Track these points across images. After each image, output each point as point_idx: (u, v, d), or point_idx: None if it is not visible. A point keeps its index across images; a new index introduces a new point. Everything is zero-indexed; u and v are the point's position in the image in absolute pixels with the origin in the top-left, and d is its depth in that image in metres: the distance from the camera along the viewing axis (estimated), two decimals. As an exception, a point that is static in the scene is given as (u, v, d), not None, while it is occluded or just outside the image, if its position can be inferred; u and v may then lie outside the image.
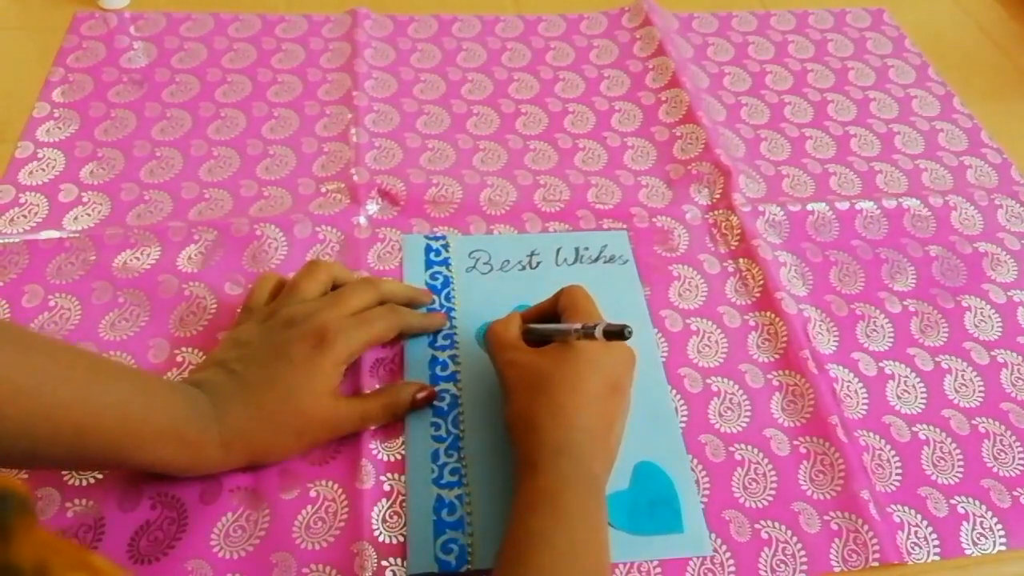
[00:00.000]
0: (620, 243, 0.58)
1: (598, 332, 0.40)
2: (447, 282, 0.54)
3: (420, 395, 0.47)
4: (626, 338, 0.39)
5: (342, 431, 0.45)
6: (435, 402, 0.48)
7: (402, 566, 0.42)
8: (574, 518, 0.37)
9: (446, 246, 0.56)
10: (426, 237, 0.57)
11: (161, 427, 0.39)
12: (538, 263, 0.56)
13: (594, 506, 0.38)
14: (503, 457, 0.46)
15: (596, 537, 0.38)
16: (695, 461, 0.47)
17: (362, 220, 0.57)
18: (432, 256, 0.56)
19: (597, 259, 0.57)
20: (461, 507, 0.44)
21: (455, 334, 0.51)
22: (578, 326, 0.42)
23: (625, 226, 0.59)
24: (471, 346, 0.51)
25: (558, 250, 0.57)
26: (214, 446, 0.41)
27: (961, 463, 0.49)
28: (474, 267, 0.55)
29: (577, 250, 0.57)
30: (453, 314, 0.52)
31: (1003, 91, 0.75)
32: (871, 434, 0.49)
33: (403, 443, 0.46)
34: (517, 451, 0.41)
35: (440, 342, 0.51)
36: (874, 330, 0.55)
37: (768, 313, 0.54)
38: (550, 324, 0.46)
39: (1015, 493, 0.48)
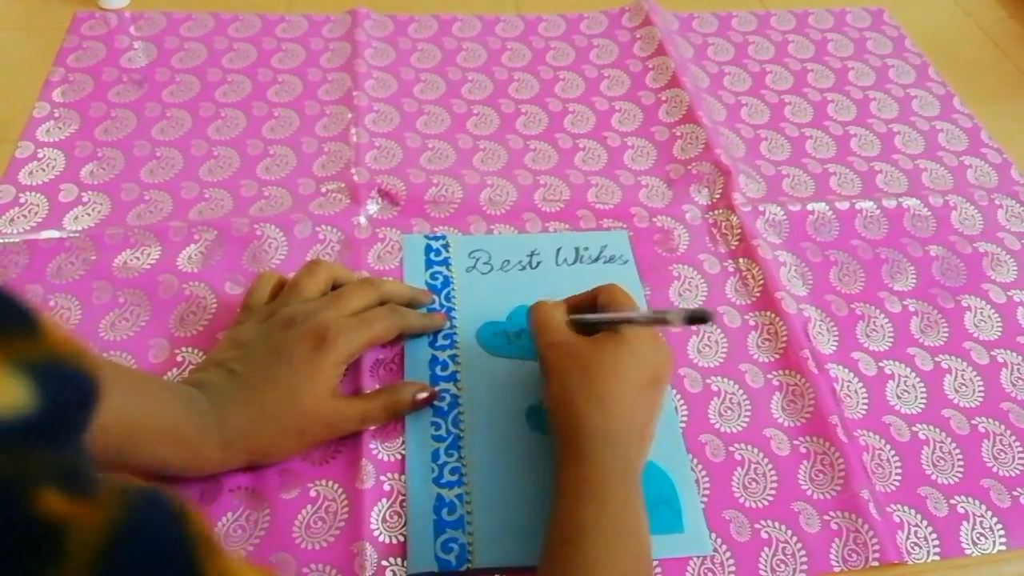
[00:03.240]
0: (620, 243, 0.58)
1: (676, 318, 0.39)
2: (447, 282, 0.54)
3: (421, 396, 0.47)
4: (707, 321, 0.39)
5: (342, 431, 0.45)
6: (435, 402, 0.48)
7: (402, 566, 0.42)
8: (618, 506, 0.38)
9: (446, 246, 0.56)
10: (426, 237, 0.57)
11: (160, 427, 0.39)
12: (538, 263, 0.56)
13: (635, 493, 0.39)
14: (503, 457, 0.46)
15: (639, 522, 0.39)
16: (695, 461, 0.47)
17: (362, 220, 0.57)
18: (432, 256, 0.56)
19: (597, 259, 0.57)
20: (461, 506, 0.44)
21: (455, 334, 0.51)
22: (645, 312, 0.42)
23: (625, 226, 0.59)
24: (471, 346, 0.51)
25: (558, 250, 0.57)
26: (213, 446, 0.41)
27: (961, 463, 0.49)
28: (474, 267, 0.55)
29: (577, 250, 0.57)
30: (453, 314, 0.52)
31: (1003, 91, 0.75)
32: (871, 434, 0.49)
33: (403, 443, 0.46)
34: (558, 437, 0.41)
35: (440, 342, 0.51)
36: (874, 330, 0.55)
37: (768, 313, 0.54)
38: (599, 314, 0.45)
39: (1015, 493, 0.48)
